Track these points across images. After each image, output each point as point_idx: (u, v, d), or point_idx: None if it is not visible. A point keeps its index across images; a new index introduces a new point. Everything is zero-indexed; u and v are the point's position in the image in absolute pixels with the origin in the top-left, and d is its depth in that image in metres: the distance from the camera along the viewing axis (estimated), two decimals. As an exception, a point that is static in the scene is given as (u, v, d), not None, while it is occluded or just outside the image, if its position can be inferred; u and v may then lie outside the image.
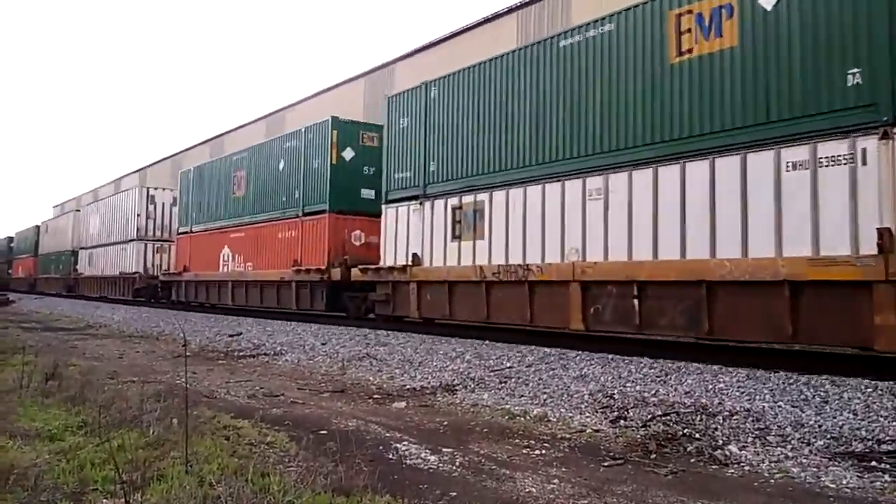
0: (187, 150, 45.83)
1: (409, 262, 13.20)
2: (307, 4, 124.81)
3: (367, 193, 16.13)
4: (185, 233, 24.06)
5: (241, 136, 36.09)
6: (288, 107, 34.68)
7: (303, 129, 17.54)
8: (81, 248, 35.18)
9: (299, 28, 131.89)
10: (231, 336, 14.07)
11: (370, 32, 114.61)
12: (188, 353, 10.98)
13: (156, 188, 29.66)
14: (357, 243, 16.20)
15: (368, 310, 15.02)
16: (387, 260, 13.93)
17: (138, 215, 27.95)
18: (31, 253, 45.88)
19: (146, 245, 27.88)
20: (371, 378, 8.91)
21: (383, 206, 14.18)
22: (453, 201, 12.39)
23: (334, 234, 15.99)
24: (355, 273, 14.80)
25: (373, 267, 14.33)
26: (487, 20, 22.66)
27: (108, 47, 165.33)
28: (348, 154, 16.34)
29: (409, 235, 13.39)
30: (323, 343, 12.08)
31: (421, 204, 13.10)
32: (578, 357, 9.00)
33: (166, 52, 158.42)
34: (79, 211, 38.36)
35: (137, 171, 53.49)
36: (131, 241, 28.24)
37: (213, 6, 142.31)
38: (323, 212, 16.29)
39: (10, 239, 54.71)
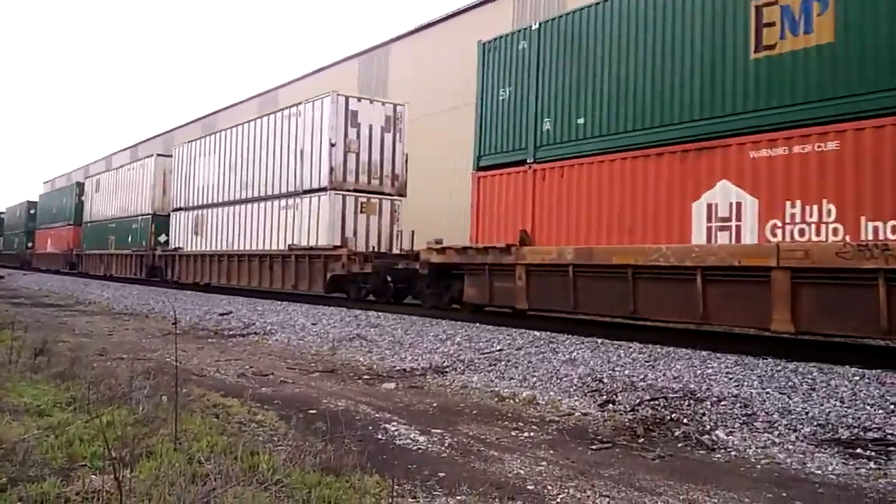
0: (175, 129, 45.50)
1: None
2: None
3: None
4: (512, 165, 11.31)
5: (235, 114, 35.81)
6: (282, 85, 34.44)
7: None
8: (178, 210, 23.01)
9: (293, 7, 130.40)
10: (221, 315, 14.03)
11: (364, 11, 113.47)
12: (178, 332, 10.97)
13: (359, 98, 16.57)
14: None
15: None
16: None
17: (332, 145, 15.62)
18: (67, 220, 34.38)
19: (345, 199, 15.78)
20: (361, 359, 8.93)
21: None
22: None
23: None
24: None
25: None
26: (484, 1, 22.48)
27: (97, 23, 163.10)
28: None
29: None
30: (313, 323, 12.07)
31: None
32: (568, 341, 9.03)
33: (154, 29, 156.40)
34: (169, 155, 25.21)
35: (131, 147, 53.07)
36: (317, 191, 16.02)
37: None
38: None
39: (32, 204, 42.82)
